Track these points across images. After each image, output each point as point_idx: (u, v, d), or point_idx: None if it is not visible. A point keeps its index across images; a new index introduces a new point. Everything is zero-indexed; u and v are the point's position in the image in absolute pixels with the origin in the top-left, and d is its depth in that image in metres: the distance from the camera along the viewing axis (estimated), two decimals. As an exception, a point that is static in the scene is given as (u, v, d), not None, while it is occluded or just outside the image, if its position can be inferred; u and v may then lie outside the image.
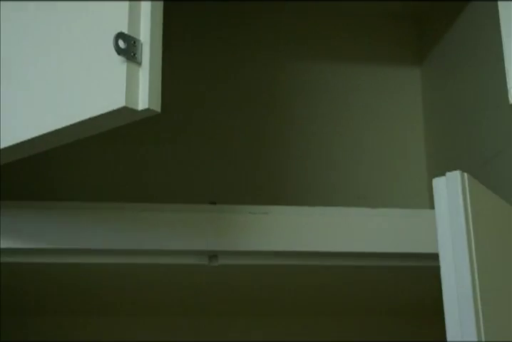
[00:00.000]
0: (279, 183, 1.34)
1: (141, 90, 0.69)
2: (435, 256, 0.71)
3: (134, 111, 0.69)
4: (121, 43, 0.69)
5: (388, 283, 1.11)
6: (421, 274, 1.01)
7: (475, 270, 0.66)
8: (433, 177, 0.71)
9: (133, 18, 0.70)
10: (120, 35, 0.69)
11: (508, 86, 0.81)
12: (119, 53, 0.69)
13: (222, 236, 1.00)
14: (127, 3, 0.70)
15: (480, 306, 0.66)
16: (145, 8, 0.71)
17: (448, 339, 0.68)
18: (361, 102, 1.41)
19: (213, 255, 1.01)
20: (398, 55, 1.47)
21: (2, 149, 0.78)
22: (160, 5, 0.72)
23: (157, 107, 0.70)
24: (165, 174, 1.30)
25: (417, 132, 1.41)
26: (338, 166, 1.37)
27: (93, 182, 1.29)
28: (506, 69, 0.87)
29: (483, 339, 0.66)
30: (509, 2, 0.97)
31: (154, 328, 1.33)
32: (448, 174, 0.69)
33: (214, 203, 1.05)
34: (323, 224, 1.00)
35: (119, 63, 0.69)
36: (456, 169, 0.70)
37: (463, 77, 1.25)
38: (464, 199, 0.67)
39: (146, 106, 0.69)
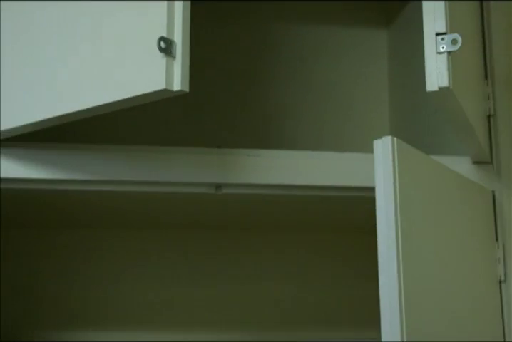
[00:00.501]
0: (268, 130, 1.69)
1: (175, 76, 1.00)
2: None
3: (170, 91, 1.00)
4: (162, 44, 0.99)
5: (341, 208, 1.46)
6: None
7: (398, 207, 0.99)
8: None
9: (170, 26, 1.01)
10: (161, 39, 0.99)
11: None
12: (160, 51, 0.99)
13: (225, 172, 1.33)
14: (165, 15, 1.00)
15: (400, 231, 1.00)
16: (178, 18, 1.01)
17: (379, 250, 1.02)
18: (334, 61, 1.75)
19: (218, 186, 1.34)
20: (366, 18, 1.78)
21: (71, 113, 1.09)
22: (188, 16, 1.02)
23: (186, 89, 1.01)
24: (180, 123, 1.63)
25: (382, 86, 1.74)
26: (311, 116, 1.72)
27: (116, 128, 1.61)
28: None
29: (400, 249, 1.00)
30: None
31: (163, 240, 1.70)
32: (383, 138, 1.02)
33: (219, 147, 1.38)
34: (299, 163, 1.33)
35: (160, 58, 1.00)
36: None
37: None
38: (393, 156, 1.00)
39: (179, 88, 1.00)
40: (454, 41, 0.98)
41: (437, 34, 0.99)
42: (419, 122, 1.58)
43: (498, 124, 1.42)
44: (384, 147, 1.01)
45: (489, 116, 1.43)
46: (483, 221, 1.36)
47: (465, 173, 1.36)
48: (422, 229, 1.09)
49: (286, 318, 1.70)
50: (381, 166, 1.01)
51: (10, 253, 1.64)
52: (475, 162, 1.40)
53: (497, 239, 1.37)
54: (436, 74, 0.98)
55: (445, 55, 0.98)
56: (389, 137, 1.01)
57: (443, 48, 0.98)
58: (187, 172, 1.31)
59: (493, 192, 1.39)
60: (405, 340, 0.96)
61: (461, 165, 1.38)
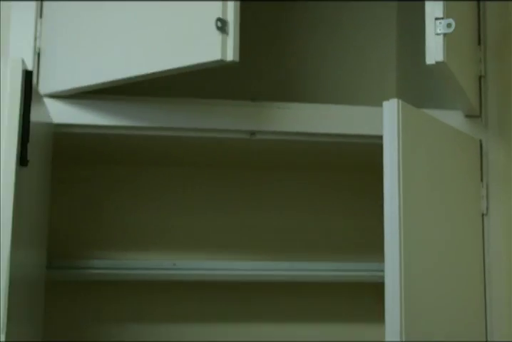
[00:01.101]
0: (295, 86, 1.97)
1: (228, 50, 1.27)
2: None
3: (225, 61, 1.28)
4: (219, 24, 1.26)
5: (353, 152, 1.74)
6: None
7: (401, 155, 1.28)
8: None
9: (225, 9, 1.27)
10: (218, 19, 1.26)
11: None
12: (217, 29, 1.26)
13: (258, 121, 1.61)
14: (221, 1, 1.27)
15: (402, 172, 1.29)
16: (230, 3, 1.28)
17: (385, 188, 1.31)
18: (350, 29, 2.04)
19: (252, 133, 1.63)
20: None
21: (141, 75, 1.37)
22: (238, 1, 1.28)
23: (237, 59, 1.28)
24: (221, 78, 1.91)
25: (391, 51, 2.03)
26: (331, 74, 2.02)
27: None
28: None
29: (401, 184, 1.29)
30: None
31: (200, 176, 2.01)
32: (390, 100, 1.30)
33: (254, 100, 1.66)
34: (320, 115, 1.61)
35: (217, 34, 1.27)
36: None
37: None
38: (398, 115, 1.28)
39: (231, 59, 1.27)
40: (449, 25, 1.24)
41: (436, 19, 1.26)
42: (423, 81, 1.85)
43: (487, 84, 1.69)
44: (391, 107, 1.29)
45: (480, 77, 1.69)
46: (470, 165, 1.65)
47: (457, 125, 1.64)
48: (420, 171, 1.39)
49: (297, 242, 2.02)
50: (388, 122, 1.29)
51: (71, 183, 1.94)
52: (467, 116, 1.68)
53: (482, 180, 1.66)
54: (434, 51, 1.25)
55: (441, 36, 1.25)
56: (395, 100, 1.29)
57: (440, 30, 1.25)
58: (227, 120, 1.60)
59: (480, 140, 1.68)
60: (402, 259, 1.27)
61: (454, 118, 1.66)
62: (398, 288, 1.25)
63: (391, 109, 1.28)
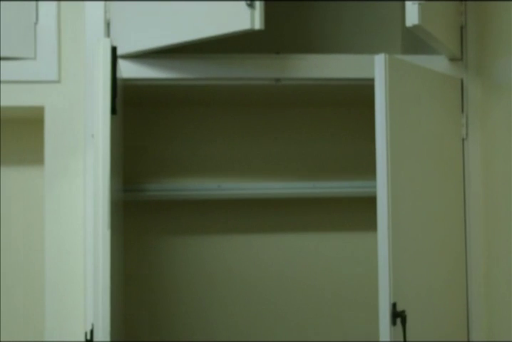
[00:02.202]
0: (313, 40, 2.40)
1: (256, 20, 1.69)
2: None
3: (253, 29, 1.70)
4: (248, 2, 1.68)
5: (355, 91, 2.16)
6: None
7: (388, 98, 1.70)
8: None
9: (253, -11, 1.69)
10: (248, -2, 1.68)
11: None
12: (247, 6, 1.68)
13: (282, 70, 2.04)
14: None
15: (389, 112, 1.72)
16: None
17: (376, 120, 1.74)
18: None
19: (278, 79, 2.06)
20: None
21: (191, 40, 1.80)
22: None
23: (263, 27, 1.70)
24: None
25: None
26: (343, 27, 2.44)
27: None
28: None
29: (389, 120, 1.72)
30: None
31: (238, 114, 2.45)
32: (380, 54, 1.71)
33: (278, 53, 2.08)
34: (330, 63, 2.03)
35: (247, 8, 1.68)
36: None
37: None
38: (385, 68, 1.70)
39: (258, 27, 1.69)
40: (422, -5, 1.65)
41: (413, -8, 1.66)
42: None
43: (467, 33, 2.08)
44: (380, 60, 1.71)
45: (462, 27, 2.08)
46: (453, 100, 2.06)
47: (441, 68, 2.05)
48: (405, 108, 1.81)
49: (314, 165, 2.48)
50: (378, 71, 1.71)
51: (136, 124, 2.40)
52: (450, 60, 2.08)
53: (462, 111, 2.08)
54: (411, 16, 1.66)
55: (416, 5, 1.65)
56: (383, 54, 1.70)
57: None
58: (257, 70, 2.03)
59: (461, 79, 2.08)
60: (390, 177, 1.70)
61: (439, 62, 2.07)
62: (386, 201, 1.70)
63: (380, 61, 1.70)
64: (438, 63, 2.07)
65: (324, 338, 2.45)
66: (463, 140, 2.08)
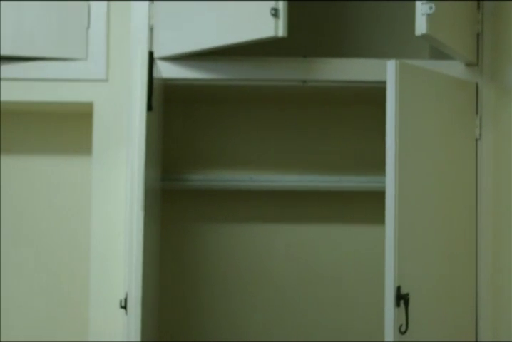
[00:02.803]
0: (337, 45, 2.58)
1: (279, 29, 1.88)
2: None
3: (277, 37, 1.89)
4: (272, 11, 1.87)
5: (373, 92, 2.32)
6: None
7: (398, 99, 1.87)
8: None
9: (277, 1, 1.87)
10: (273, 8, 1.87)
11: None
12: (271, 15, 1.87)
13: (308, 72, 2.22)
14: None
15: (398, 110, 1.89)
16: (281, -6, 1.88)
17: (387, 118, 1.90)
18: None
19: (304, 81, 2.25)
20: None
21: (222, 45, 2.00)
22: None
23: (285, 35, 1.89)
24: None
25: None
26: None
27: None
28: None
29: (398, 115, 1.89)
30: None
31: (270, 111, 2.64)
32: (391, 60, 1.87)
33: (305, 56, 2.26)
34: (353, 67, 2.21)
35: (271, 18, 1.88)
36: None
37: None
38: (396, 73, 1.87)
39: (281, 35, 1.88)
40: (430, 7, 1.80)
41: (422, 3, 1.82)
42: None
43: (483, 40, 2.23)
44: (391, 65, 1.88)
45: (478, 34, 2.23)
46: (467, 103, 2.21)
47: (458, 72, 2.21)
48: (416, 112, 1.98)
49: (336, 161, 2.66)
50: (390, 76, 1.88)
51: (174, 120, 2.62)
52: (467, 65, 2.23)
53: (477, 113, 2.23)
54: (419, 27, 1.82)
55: (425, 16, 1.82)
56: (394, 60, 1.87)
57: (424, 11, 1.81)
58: (286, 72, 2.22)
59: (476, 83, 2.23)
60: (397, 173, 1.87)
61: (456, 67, 2.22)
62: (394, 194, 1.87)
63: (391, 66, 1.87)
64: (454, 68, 2.22)
65: (339, 323, 2.64)
66: (476, 140, 2.23)
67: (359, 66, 2.22)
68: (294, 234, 2.65)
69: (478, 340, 2.17)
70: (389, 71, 1.89)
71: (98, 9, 2.22)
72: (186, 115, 2.65)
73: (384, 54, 2.62)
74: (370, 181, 2.49)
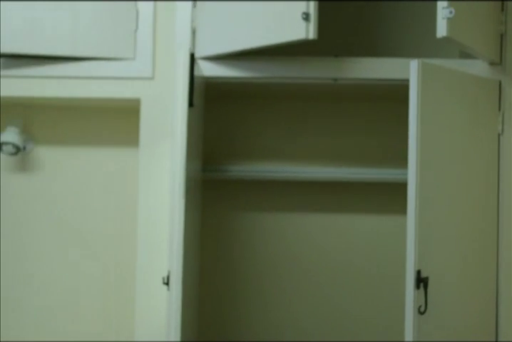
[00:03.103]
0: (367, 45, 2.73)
1: (310, 32, 2.04)
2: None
3: (308, 39, 2.05)
4: (304, 15, 2.03)
5: (394, 90, 2.46)
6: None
7: (420, 101, 2.02)
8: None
9: (308, 5, 2.04)
10: (304, 12, 2.03)
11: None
12: (303, 19, 2.03)
13: (339, 71, 2.38)
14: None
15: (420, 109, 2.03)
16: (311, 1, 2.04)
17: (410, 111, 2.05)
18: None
19: (335, 79, 2.40)
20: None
21: (259, 46, 2.17)
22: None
23: (316, 37, 2.05)
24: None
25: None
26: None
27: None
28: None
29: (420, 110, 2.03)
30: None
31: (300, 108, 2.81)
32: (414, 60, 2.02)
33: (336, 56, 2.42)
34: (378, 66, 2.36)
35: (302, 22, 2.04)
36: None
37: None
38: (418, 72, 2.01)
39: (312, 37, 2.05)
40: (451, 12, 1.94)
41: (442, 8, 1.96)
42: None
43: (507, 40, 2.35)
44: (414, 65, 2.02)
45: (502, 35, 2.35)
46: (490, 100, 2.34)
47: (481, 71, 2.34)
48: (438, 109, 2.12)
49: (365, 155, 2.81)
50: (413, 76, 2.03)
51: (214, 116, 2.81)
52: (490, 63, 2.36)
53: (499, 109, 2.35)
54: (440, 30, 1.96)
55: (445, 20, 1.96)
56: (416, 60, 2.02)
57: (444, 15, 1.95)
58: (319, 70, 2.38)
59: (500, 81, 2.36)
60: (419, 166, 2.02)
61: (480, 66, 2.35)
62: (415, 185, 2.02)
63: (414, 66, 2.02)
64: (478, 67, 2.35)
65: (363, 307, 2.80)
66: (498, 135, 2.36)
67: (387, 65, 2.37)
68: (322, 222, 2.82)
69: (498, 327, 2.30)
70: (412, 70, 2.03)
71: (145, 12, 2.42)
72: (225, 111, 2.83)
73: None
74: (394, 173, 2.63)
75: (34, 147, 2.74)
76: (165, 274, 1.97)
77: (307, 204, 2.81)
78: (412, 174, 2.03)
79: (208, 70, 2.38)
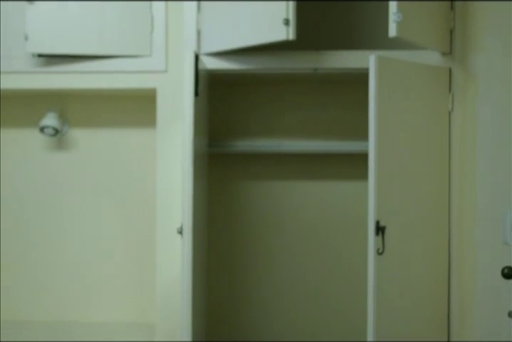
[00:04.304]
0: (344, 38, 3.25)
1: (289, 34, 2.57)
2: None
3: (288, 40, 2.58)
4: (284, 21, 2.56)
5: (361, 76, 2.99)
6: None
7: (378, 93, 2.55)
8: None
9: (288, 12, 2.57)
10: (285, 19, 2.56)
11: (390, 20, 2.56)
12: (283, 24, 2.57)
13: (319, 61, 2.91)
14: (285, 6, 2.56)
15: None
16: (291, 8, 2.57)
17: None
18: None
19: (315, 69, 2.94)
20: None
21: (249, 45, 2.71)
22: (295, 8, 2.56)
23: (294, 38, 2.58)
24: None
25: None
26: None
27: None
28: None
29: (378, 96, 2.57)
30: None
31: (288, 90, 3.35)
32: (372, 54, 2.54)
33: (316, 50, 2.94)
34: (350, 57, 2.89)
35: (284, 26, 2.57)
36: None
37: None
38: (375, 63, 2.54)
39: (291, 38, 2.58)
40: (399, 17, 2.47)
41: (393, 13, 2.48)
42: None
43: (455, 34, 2.86)
44: (372, 58, 2.55)
45: (451, 30, 2.87)
46: (441, 84, 2.86)
47: (434, 60, 2.86)
48: (394, 94, 2.65)
49: (340, 129, 3.35)
50: (372, 68, 2.56)
51: (216, 100, 3.35)
52: (442, 54, 2.88)
53: (450, 91, 2.88)
54: (391, 30, 2.49)
55: (395, 24, 2.48)
56: (374, 54, 2.55)
57: (394, 19, 2.48)
58: (301, 62, 2.91)
59: (449, 68, 2.88)
60: (377, 138, 2.56)
61: (434, 56, 2.87)
62: (374, 155, 2.56)
63: (372, 59, 2.55)
64: (432, 57, 2.87)
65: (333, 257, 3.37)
66: (449, 112, 2.88)
67: (357, 57, 2.90)
68: (301, 187, 3.39)
69: (451, 260, 2.85)
70: (371, 62, 2.57)
71: (158, 17, 2.96)
72: (226, 96, 3.39)
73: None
74: (361, 145, 3.18)
75: (69, 130, 3.31)
76: (179, 225, 2.54)
77: (291, 173, 3.38)
78: (372, 146, 2.57)
79: (211, 64, 2.91)
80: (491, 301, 2.56)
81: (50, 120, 3.22)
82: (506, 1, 2.53)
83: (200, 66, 2.69)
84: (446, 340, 2.83)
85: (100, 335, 3.08)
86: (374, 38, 3.39)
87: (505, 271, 2.07)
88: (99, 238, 3.30)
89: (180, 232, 2.53)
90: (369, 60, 2.58)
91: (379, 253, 2.56)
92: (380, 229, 2.57)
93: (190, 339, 2.53)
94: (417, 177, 2.78)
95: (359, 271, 3.32)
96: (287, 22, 2.58)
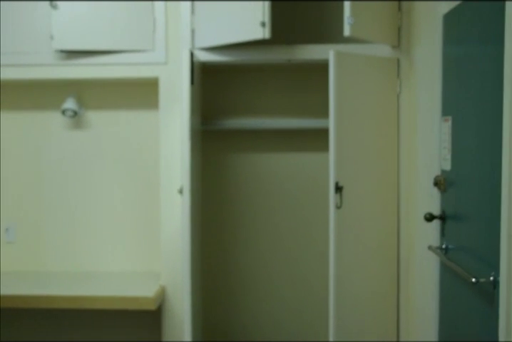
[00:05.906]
0: (314, 33, 3.90)
1: (266, 33, 3.21)
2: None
3: (265, 38, 3.22)
4: (261, 24, 3.20)
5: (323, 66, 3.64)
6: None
7: (337, 81, 3.20)
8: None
9: (264, 15, 3.21)
10: (261, 21, 3.20)
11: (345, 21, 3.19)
12: (260, 25, 3.20)
13: (292, 53, 3.55)
14: (262, 9, 3.20)
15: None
16: (267, 10, 3.20)
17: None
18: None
19: (289, 60, 3.58)
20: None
21: (236, 41, 3.35)
22: (270, 9, 3.20)
23: (269, 37, 3.22)
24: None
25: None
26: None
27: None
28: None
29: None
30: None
31: (270, 75, 4.00)
32: (332, 50, 3.19)
33: (288, 44, 3.58)
34: (320, 50, 3.53)
35: (260, 27, 3.21)
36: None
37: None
38: (334, 58, 3.18)
39: (267, 37, 3.22)
40: (352, 20, 3.10)
41: (347, 17, 3.12)
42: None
43: (402, 31, 3.51)
44: (331, 53, 3.20)
45: (399, 27, 3.51)
46: (392, 71, 3.51)
47: (386, 52, 3.50)
48: (350, 82, 3.30)
49: (307, 109, 4.00)
50: (331, 62, 3.21)
51: (208, 86, 4.00)
52: (392, 47, 3.52)
53: (398, 77, 3.53)
54: (346, 31, 3.13)
55: (349, 26, 3.12)
56: (332, 50, 3.19)
57: (348, 22, 3.12)
58: (278, 54, 3.56)
59: (398, 59, 3.53)
60: (336, 120, 3.21)
61: (385, 49, 3.51)
62: (334, 130, 3.21)
63: (331, 53, 3.19)
64: (384, 49, 3.52)
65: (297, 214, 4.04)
66: (397, 95, 3.54)
67: (322, 50, 3.54)
68: (277, 158, 4.07)
69: (399, 212, 3.52)
70: (330, 56, 3.21)
71: (159, 18, 3.59)
72: (216, 82, 4.04)
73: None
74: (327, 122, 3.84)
75: (85, 112, 3.96)
76: (179, 187, 3.20)
77: (270, 146, 4.05)
78: (332, 123, 3.23)
79: (204, 56, 3.56)
80: (428, 241, 3.26)
81: (69, 104, 3.87)
82: (439, 1, 3.18)
83: (195, 59, 3.33)
84: (396, 276, 3.52)
85: (114, 282, 3.76)
86: (337, 33, 4.02)
87: (427, 216, 2.74)
88: (112, 199, 3.98)
89: (180, 192, 3.19)
90: (329, 55, 3.22)
91: (338, 207, 3.24)
92: (338, 189, 3.24)
93: (189, 282, 3.21)
94: (370, 147, 3.44)
95: (322, 223, 4.01)
96: (263, 24, 3.22)
